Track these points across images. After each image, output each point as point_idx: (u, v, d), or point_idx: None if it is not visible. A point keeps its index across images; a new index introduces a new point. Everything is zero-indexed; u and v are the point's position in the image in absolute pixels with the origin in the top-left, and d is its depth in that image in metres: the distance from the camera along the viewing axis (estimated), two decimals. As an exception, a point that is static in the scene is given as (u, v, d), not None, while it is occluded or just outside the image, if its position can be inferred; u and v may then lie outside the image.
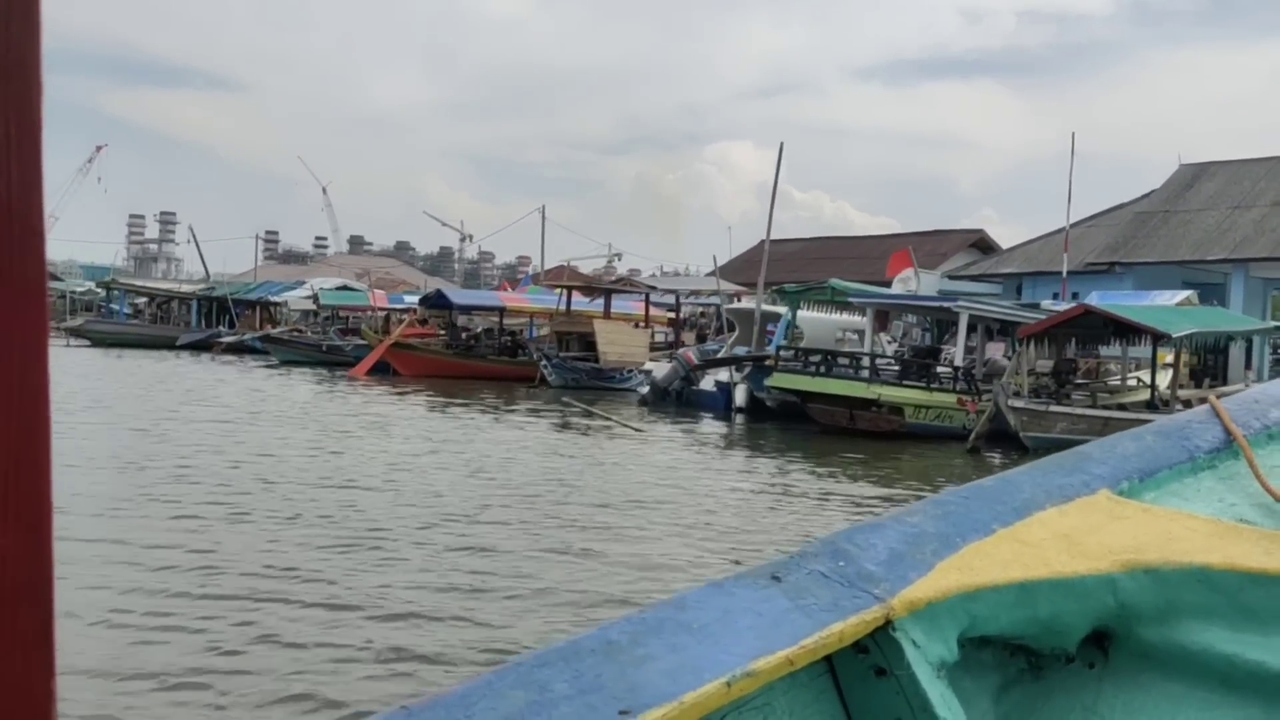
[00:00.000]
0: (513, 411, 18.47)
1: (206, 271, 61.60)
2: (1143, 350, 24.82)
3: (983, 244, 37.03)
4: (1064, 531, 1.27)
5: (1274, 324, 18.55)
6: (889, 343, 21.88)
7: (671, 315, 30.26)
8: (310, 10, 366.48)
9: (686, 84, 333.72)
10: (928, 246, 37.74)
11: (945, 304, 17.72)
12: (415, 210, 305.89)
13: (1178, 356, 16.46)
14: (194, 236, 61.46)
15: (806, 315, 21.11)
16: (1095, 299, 25.89)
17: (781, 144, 20.00)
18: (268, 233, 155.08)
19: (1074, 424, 14.42)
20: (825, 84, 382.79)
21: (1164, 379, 18.11)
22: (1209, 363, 27.29)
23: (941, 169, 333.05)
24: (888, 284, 22.72)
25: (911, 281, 18.78)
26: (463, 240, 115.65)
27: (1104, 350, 22.49)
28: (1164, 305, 21.71)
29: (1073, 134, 25.43)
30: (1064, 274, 25.02)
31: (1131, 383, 18.09)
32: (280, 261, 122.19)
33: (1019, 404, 14.02)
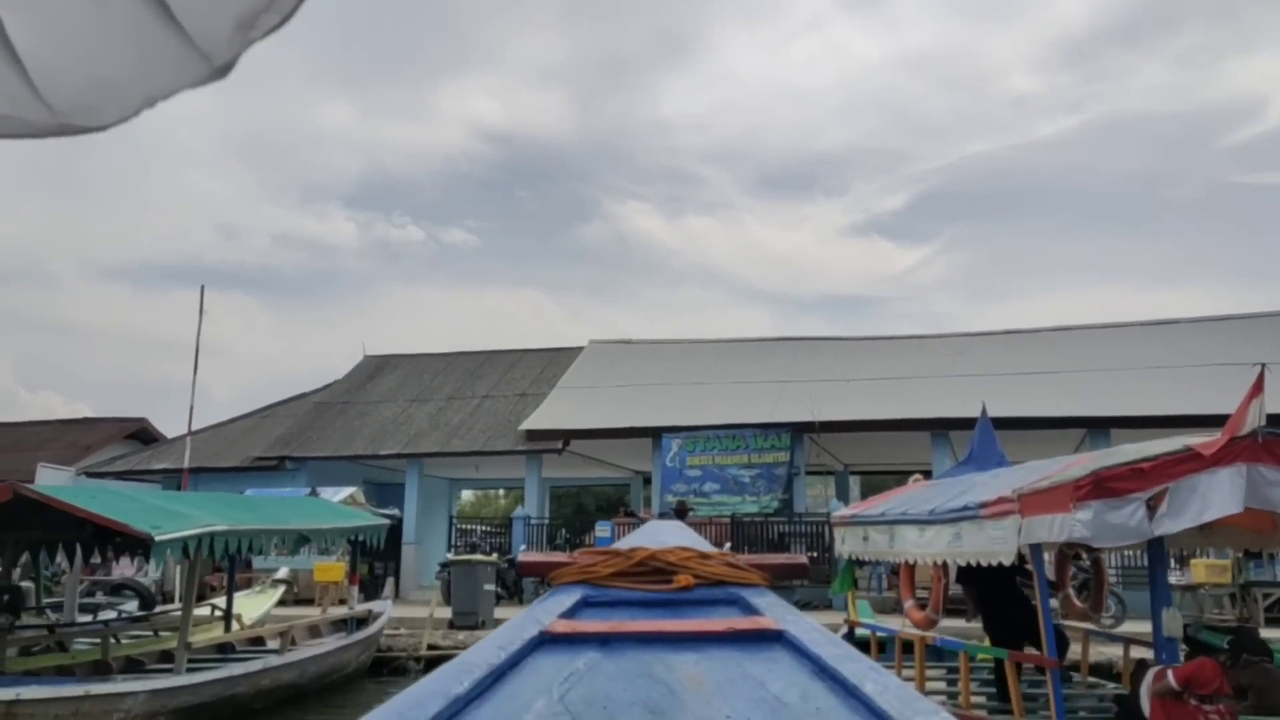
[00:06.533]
0: None
1: None
2: (303, 560, 20.14)
3: (145, 435, 30.01)
4: None
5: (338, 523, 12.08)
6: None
7: None
8: None
9: None
10: (69, 438, 29.44)
11: None
12: None
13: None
14: None
15: None
16: (249, 494, 20.82)
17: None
18: None
19: None
20: (62, 278, 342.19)
21: (265, 602, 12.94)
22: (379, 571, 23.87)
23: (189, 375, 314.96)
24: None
25: None
26: None
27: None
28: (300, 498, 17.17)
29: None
30: (185, 467, 19.34)
31: (206, 611, 12.46)
32: None
33: None
